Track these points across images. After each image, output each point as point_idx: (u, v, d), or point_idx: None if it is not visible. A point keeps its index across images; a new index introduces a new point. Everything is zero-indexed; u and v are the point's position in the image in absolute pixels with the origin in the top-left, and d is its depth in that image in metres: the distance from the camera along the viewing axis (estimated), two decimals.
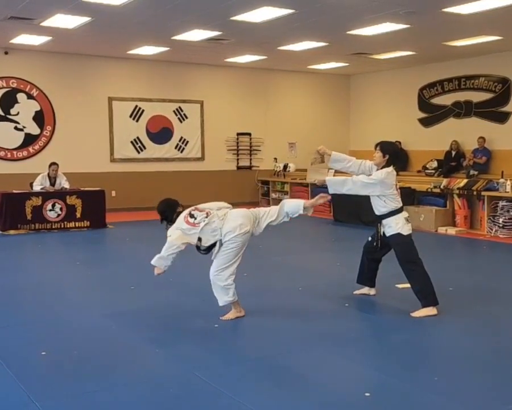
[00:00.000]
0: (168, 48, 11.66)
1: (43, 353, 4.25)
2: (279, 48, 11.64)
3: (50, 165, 10.49)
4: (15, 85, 12.06)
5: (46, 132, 12.39)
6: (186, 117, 13.84)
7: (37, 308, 5.53)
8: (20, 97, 12.13)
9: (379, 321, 5.22)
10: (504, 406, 3.43)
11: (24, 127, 12.19)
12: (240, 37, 10.57)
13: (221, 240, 4.88)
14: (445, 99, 13.47)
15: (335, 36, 10.55)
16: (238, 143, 14.51)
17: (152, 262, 4.84)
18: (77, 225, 10.45)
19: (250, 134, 14.63)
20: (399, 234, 5.17)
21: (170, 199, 5.16)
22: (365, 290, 5.81)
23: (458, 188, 10.41)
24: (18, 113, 12.13)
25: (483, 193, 9.99)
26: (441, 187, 10.72)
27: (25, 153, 12.21)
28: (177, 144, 13.77)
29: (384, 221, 5.24)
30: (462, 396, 3.52)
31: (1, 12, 8.77)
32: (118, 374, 3.87)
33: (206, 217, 4.86)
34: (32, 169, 11.38)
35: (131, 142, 13.25)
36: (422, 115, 14.03)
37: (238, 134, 14.49)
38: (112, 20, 9.26)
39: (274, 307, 5.46)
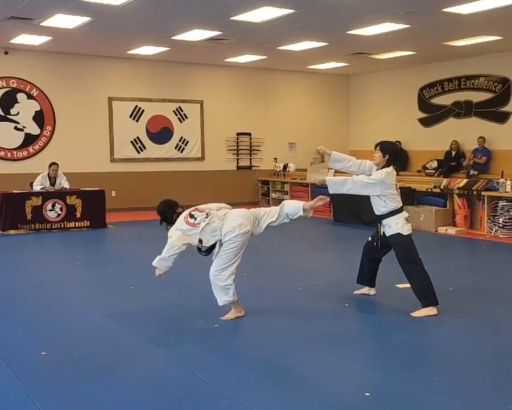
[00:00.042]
0: (168, 48, 11.66)
1: (43, 353, 4.25)
2: (279, 48, 11.64)
3: (50, 165, 10.50)
4: (15, 85, 12.06)
5: (46, 132, 12.39)
6: (186, 117, 13.84)
7: (37, 308, 5.53)
8: (20, 97, 12.13)
9: (379, 321, 5.22)
10: (504, 406, 3.43)
11: (24, 127, 12.19)
12: (240, 37, 10.57)
13: (220, 240, 4.89)
14: (445, 99, 13.47)
15: (335, 36, 10.55)
16: (238, 143, 14.52)
17: (153, 263, 4.84)
18: (77, 225, 10.45)
19: (250, 134, 14.63)
20: (399, 234, 5.17)
21: (169, 200, 5.16)
22: (365, 290, 5.81)
23: (458, 188, 10.41)
24: (18, 113, 12.13)
25: (483, 193, 9.99)
26: (441, 187, 10.72)
27: (25, 153, 12.21)
28: (177, 144, 13.77)
29: (384, 221, 5.24)
30: (462, 396, 3.52)
31: (1, 12, 8.77)
32: (118, 374, 3.87)
33: (206, 217, 4.86)
34: (32, 169, 11.38)
35: (131, 142, 13.25)
36: (422, 115, 14.03)
37: (238, 134, 14.49)
38: (112, 20, 9.26)
39: (274, 307, 5.46)
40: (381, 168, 5.19)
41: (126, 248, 9.04)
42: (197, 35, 10.29)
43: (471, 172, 11.74)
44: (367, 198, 5.31)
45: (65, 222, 10.36)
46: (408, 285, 5.30)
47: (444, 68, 13.33)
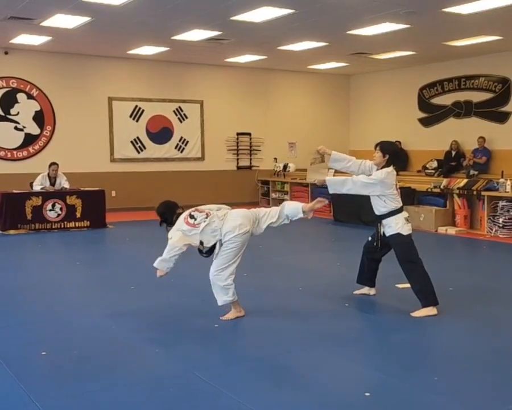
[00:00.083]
0: (168, 48, 11.66)
1: (43, 353, 4.25)
2: (279, 48, 11.64)
3: (50, 165, 10.50)
4: (15, 85, 12.06)
5: (46, 132, 12.39)
6: (186, 117, 13.84)
7: (37, 308, 5.53)
8: (20, 97, 12.13)
9: (379, 321, 5.22)
10: (504, 406, 3.43)
11: (24, 127, 12.19)
12: (240, 37, 10.57)
13: (220, 240, 4.89)
14: (445, 99, 13.47)
15: (335, 36, 10.55)
16: (238, 143, 14.52)
17: (154, 264, 4.84)
18: (77, 225, 10.45)
19: (250, 134, 14.63)
20: (399, 234, 5.17)
21: (169, 201, 5.16)
22: (365, 290, 5.81)
23: (458, 188, 10.41)
24: (18, 113, 12.13)
25: (483, 193, 9.99)
26: (441, 187, 10.72)
27: (25, 153, 12.21)
28: (177, 144, 13.77)
29: (384, 221, 5.24)
30: (462, 396, 3.52)
31: (1, 12, 8.77)
32: (118, 374, 3.87)
33: (206, 217, 4.86)
34: (32, 169, 11.38)
35: (131, 142, 13.25)
36: (422, 115, 14.03)
37: (238, 134, 14.49)
38: (112, 20, 9.26)
39: (274, 307, 5.46)
40: (381, 168, 5.19)
41: (126, 248, 9.04)
42: (197, 35, 10.29)
43: (471, 172, 11.74)
44: (367, 198, 5.31)
45: (65, 222, 10.37)
46: (408, 285, 5.30)
47: (444, 68, 13.33)
